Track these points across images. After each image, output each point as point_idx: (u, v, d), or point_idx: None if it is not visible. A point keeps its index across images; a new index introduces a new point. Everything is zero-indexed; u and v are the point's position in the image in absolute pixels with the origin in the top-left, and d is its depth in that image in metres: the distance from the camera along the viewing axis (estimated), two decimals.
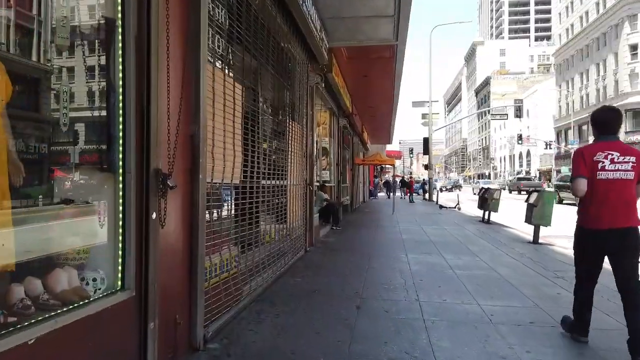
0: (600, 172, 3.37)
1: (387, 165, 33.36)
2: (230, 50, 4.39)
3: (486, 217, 14.72)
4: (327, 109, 12.04)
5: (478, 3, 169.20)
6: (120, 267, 2.58)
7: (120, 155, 2.58)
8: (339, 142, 13.36)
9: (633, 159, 3.36)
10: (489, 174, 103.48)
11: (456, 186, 61.92)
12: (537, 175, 72.87)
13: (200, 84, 3.31)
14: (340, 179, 13.43)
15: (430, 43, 30.47)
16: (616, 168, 3.35)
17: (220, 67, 4.02)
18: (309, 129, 7.98)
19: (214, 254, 3.72)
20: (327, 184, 12.24)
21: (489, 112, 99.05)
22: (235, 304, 4.14)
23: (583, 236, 3.54)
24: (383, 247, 8.66)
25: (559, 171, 63.48)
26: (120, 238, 2.57)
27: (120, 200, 2.57)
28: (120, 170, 2.58)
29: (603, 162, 3.37)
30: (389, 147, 49.00)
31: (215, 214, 3.95)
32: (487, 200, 14.68)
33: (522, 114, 32.65)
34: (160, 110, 2.75)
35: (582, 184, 3.40)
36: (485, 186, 27.60)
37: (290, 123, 6.73)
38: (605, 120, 3.63)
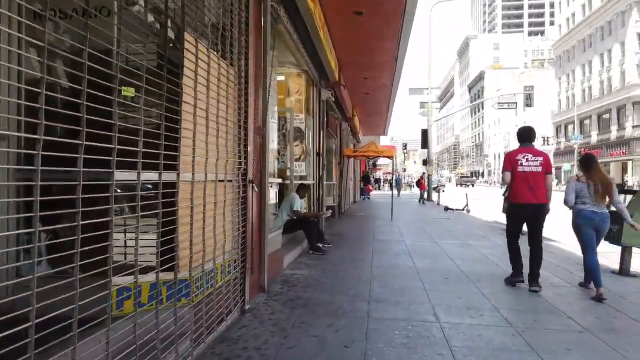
0: (519, 167, 5.16)
1: (380, 161, 29.73)
2: None
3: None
4: (301, 71, 8.28)
5: None
6: None
7: None
8: (321, 123, 9.62)
9: (541, 158, 5.19)
10: (482, 172, 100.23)
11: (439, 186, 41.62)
12: None
13: None
14: (323, 174, 9.69)
15: (430, 21, 26.81)
16: (529, 164, 5.14)
17: None
18: (254, 74, 4.24)
19: None
20: (305, 182, 8.49)
21: (482, 106, 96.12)
22: None
23: (511, 208, 5.36)
24: (390, 293, 4.95)
25: (558, 168, 60.53)
26: None
27: None
28: None
29: (520, 161, 5.17)
30: (382, 142, 45.42)
31: None
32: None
33: (532, 102, 29.16)
34: None
35: (508, 176, 5.24)
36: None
37: (208, 56, 3.03)
38: (524, 133, 5.43)
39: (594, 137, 52.23)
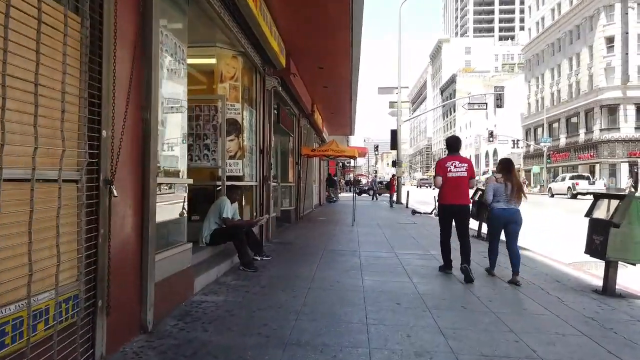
0: (449, 173, 5.81)
1: (348, 161, 28.70)
2: None
3: (484, 231, 10.18)
4: (237, 52, 7.04)
5: (443, 2, 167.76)
6: None
7: None
8: (268, 116, 8.39)
9: (466, 165, 5.86)
10: None
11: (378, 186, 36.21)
12: None
13: None
14: (268, 174, 8.45)
15: (399, 19, 25.94)
16: (456, 170, 5.81)
17: None
18: (132, 31, 2.97)
19: None
20: (236, 183, 7.29)
21: (454, 109, 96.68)
22: None
23: (442, 209, 6.06)
24: (319, 330, 3.76)
25: (528, 170, 60.82)
26: None
27: None
28: None
29: (449, 167, 5.83)
30: (352, 143, 44.40)
31: None
32: (485, 207, 10.10)
33: (503, 103, 28.62)
34: None
35: (439, 180, 5.90)
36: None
37: None
38: (452, 143, 6.17)
39: (563, 140, 52.59)
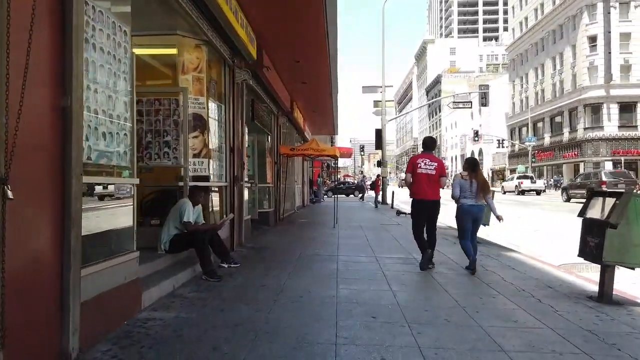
0: (418, 169, 6.17)
1: (335, 162, 28.20)
2: None
3: None
4: (200, 41, 6.45)
5: (427, 3, 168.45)
6: None
7: None
8: (239, 111, 7.82)
9: (435, 164, 6.22)
10: None
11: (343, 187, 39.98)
12: (490, 175, 70.20)
13: None
14: (240, 174, 7.87)
15: (382, 18, 25.53)
16: (426, 168, 6.17)
17: None
18: None
19: None
20: (206, 184, 6.72)
21: (439, 109, 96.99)
22: None
23: (413, 204, 6.33)
24: (277, 356, 3.22)
25: (513, 170, 60.90)
26: None
27: None
28: None
29: (420, 165, 6.19)
30: (338, 144, 43.93)
31: None
32: None
33: (488, 101, 28.36)
34: None
35: (408, 177, 6.33)
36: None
37: None
38: (427, 143, 6.58)
39: (547, 140, 52.77)
